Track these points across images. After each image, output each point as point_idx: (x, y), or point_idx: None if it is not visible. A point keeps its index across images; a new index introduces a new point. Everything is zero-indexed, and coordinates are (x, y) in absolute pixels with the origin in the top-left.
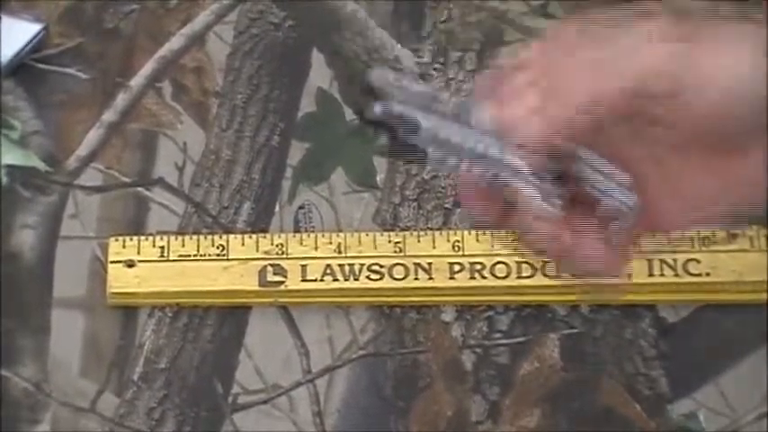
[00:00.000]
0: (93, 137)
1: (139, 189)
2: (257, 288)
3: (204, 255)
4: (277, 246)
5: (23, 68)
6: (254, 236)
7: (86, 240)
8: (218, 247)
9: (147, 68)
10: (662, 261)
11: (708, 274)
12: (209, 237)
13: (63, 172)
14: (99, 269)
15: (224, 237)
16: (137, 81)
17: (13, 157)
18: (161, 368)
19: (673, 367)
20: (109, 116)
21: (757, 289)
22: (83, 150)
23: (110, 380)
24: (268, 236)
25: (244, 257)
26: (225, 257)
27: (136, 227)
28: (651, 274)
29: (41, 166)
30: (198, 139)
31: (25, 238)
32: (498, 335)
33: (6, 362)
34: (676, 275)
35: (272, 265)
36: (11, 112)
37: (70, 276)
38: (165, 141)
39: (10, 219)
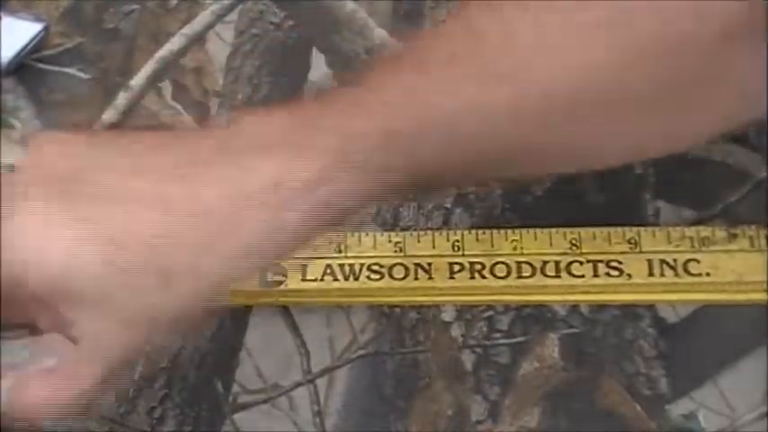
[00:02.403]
0: None
1: None
2: (257, 288)
3: None
4: None
5: (24, 68)
6: None
7: None
8: None
9: (148, 68)
10: (662, 261)
11: (708, 275)
12: None
13: None
14: None
15: None
16: (137, 81)
17: (13, 156)
18: (161, 368)
19: (672, 367)
20: (109, 116)
21: (757, 289)
22: None
23: None
24: None
25: None
26: None
27: None
28: (651, 274)
29: None
30: None
31: None
32: (498, 335)
33: None
34: (676, 275)
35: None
36: (11, 112)
37: None
38: None
39: None
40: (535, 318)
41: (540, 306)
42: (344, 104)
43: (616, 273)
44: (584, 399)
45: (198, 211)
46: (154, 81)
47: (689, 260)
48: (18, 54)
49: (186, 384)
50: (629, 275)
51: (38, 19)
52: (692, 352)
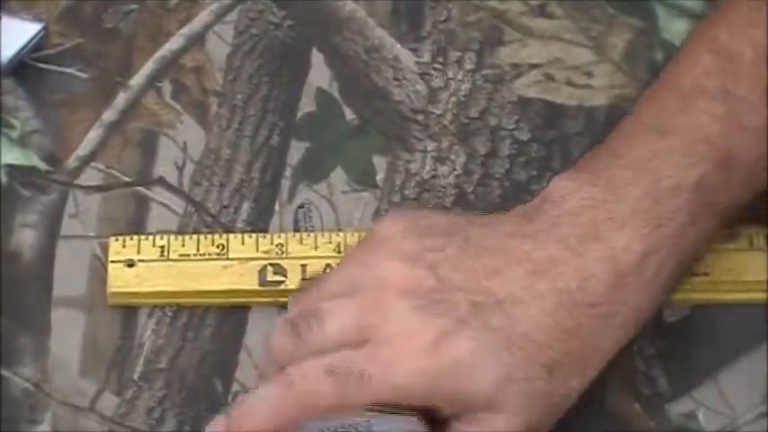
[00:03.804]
0: (93, 136)
1: (139, 188)
2: (257, 287)
3: (204, 254)
4: (277, 245)
5: (23, 68)
6: (253, 235)
7: (86, 239)
8: (217, 247)
9: (147, 68)
10: None
11: (706, 274)
12: (209, 236)
13: (63, 171)
14: (99, 268)
15: (224, 236)
16: (136, 81)
17: (12, 156)
18: (161, 368)
19: (672, 366)
20: (109, 116)
21: (756, 288)
22: (83, 150)
23: (110, 379)
24: (268, 235)
25: (244, 257)
26: (225, 257)
27: (136, 226)
28: None
29: (41, 165)
30: (198, 139)
31: (25, 238)
32: None
33: (6, 361)
34: None
35: (271, 264)
36: (10, 112)
37: (70, 276)
38: (164, 141)
39: (10, 218)
40: None
41: None
42: (651, 156)
43: None
44: (583, 398)
45: (588, 302)
46: (153, 81)
47: None
48: (17, 54)
49: (186, 384)
50: None
51: (37, 19)
52: (691, 351)
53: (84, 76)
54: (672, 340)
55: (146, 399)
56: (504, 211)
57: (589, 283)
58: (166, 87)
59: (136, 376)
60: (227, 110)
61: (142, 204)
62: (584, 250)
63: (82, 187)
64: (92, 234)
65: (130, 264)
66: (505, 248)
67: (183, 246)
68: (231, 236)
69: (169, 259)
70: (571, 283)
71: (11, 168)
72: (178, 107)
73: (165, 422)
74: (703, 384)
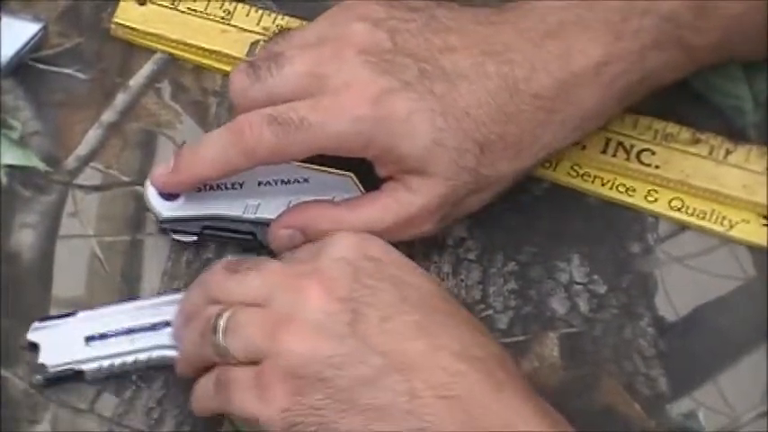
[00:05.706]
0: (92, 136)
1: (138, 187)
2: (243, 57)
3: (210, 14)
4: (277, 26)
5: (23, 68)
6: (260, 11)
7: (86, 239)
8: (224, 12)
9: (147, 68)
10: (619, 143)
11: (657, 167)
12: (221, 1)
13: (62, 171)
14: (98, 268)
15: (233, 4)
16: (136, 81)
17: (12, 156)
18: (160, 368)
19: (672, 366)
20: (108, 116)
21: (699, 195)
22: (82, 150)
23: (109, 379)
24: (273, 14)
25: (243, 27)
26: (227, 23)
27: (135, 225)
28: (604, 152)
29: (41, 165)
30: (197, 139)
31: (24, 238)
32: (498, 334)
33: (6, 362)
34: (627, 160)
35: (265, 41)
36: (10, 112)
37: (70, 275)
38: (164, 141)
39: (9, 218)
40: (534, 317)
41: (539, 304)
42: None
43: None
44: (583, 398)
45: (534, 92)
46: (153, 81)
47: (644, 149)
48: (17, 54)
49: (185, 384)
50: (584, 146)
51: (36, 19)
52: (691, 351)
53: (83, 76)
54: (672, 340)
55: (145, 399)
56: (506, 212)
57: (538, 75)
58: (166, 88)
59: (135, 376)
60: (226, 110)
61: (141, 203)
62: (542, 44)
63: (81, 186)
64: (91, 233)
65: (142, 2)
66: (467, 31)
67: (195, 1)
68: (240, 6)
69: (177, 9)
70: (519, 71)
71: (11, 168)
72: (177, 107)
73: (165, 422)
74: (703, 384)
